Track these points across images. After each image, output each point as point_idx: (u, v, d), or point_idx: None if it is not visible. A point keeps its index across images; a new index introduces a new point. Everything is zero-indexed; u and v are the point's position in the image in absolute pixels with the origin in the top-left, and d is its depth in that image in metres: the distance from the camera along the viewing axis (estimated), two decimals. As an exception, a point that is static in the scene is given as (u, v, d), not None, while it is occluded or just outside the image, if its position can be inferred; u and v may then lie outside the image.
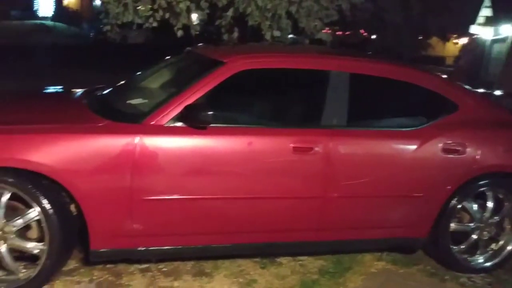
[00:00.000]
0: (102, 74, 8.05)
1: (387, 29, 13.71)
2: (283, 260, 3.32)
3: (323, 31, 6.33)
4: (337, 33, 19.18)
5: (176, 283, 2.95)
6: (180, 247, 2.90)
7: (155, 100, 2.93)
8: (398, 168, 3.07)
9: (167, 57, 3.78)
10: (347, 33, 17.25)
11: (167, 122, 2.73)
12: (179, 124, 2.74)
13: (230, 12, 5.35)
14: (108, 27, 5.69)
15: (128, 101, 3.12)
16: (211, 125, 2.73)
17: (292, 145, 2.87)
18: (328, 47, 4.70)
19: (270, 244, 3.06)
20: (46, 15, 26.61)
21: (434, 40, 18.59)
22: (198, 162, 2.75)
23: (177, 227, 2.84)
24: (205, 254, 3.09)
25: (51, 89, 4.22)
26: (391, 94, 3.24)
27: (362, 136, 3.04)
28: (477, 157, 3.14)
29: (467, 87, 3.90)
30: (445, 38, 18.18)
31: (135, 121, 2.73)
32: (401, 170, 3.08)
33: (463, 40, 17.14)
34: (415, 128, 3.12)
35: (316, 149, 2.90)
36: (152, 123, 2.72)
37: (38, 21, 25.03)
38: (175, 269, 3.10)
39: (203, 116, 2.66)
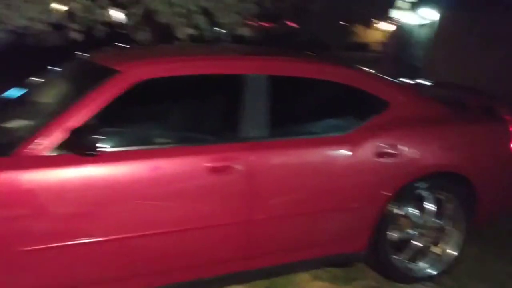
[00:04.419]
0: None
1: (311, 18, 13.53)
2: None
3: (249, 23, 5.91)
4: (263, 24, 18.83)
5: None
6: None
7: (32, 123, 2.38)
8: (329, 180, 2.73)
9: (57, 66, 3.18)
10: (271, 25, 16.94)
11: (48, 151, 2.19)
12: (65, 152, 2.22)
13: (137, 10, 4.80)
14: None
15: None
16: (106, 150, 2.24)
17: (207, 164, 2.43)
18: (244, 45, 4.26)
19: (193, 282, 2.61)
20: None
21: (357, 27, 18.82)
22: (92, 197, 2.24)
23: (78, 278, 2.32)
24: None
25: None
26: (315, 96, 2.87)
27: (287, 147, 2.66)
28: (413, 158, 2.86)
29: (399, 79, 3.68)
30: (368, 24, 18.41)
31: (3, 152, 2.17)
32: (333, 181, 2.74)
33: (384, 25, 17.44)
34: (344, 133, 2.78)
35: (236, 166, 2.48)
36: (27, 153, 2.17)
37: None
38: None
39: (89, 141, 2.14)
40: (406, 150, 2.84)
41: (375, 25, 20.01)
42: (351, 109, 2.92)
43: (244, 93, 2.59)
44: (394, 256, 3.05)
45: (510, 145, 3.20)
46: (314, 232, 2.80)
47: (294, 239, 2.77)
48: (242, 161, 2.50)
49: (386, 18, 16.75)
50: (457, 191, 3.06)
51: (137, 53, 3.10)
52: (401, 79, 3.96)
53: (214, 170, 2.44)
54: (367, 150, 2.78)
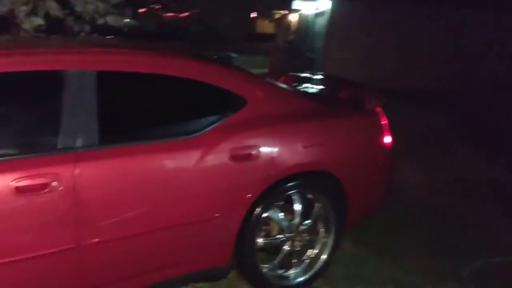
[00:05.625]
0: None
1: (205, 7, 13.07)
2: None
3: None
4: (168, 15, 18.08)
5: None
6: None
7: None
8: (178, 191, 2.36)
9: None
10: (169, 14, 16.22)
11: None
12: None
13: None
14: None
15: None
16: None
17: (14, 184, 1.96)
18: (102, 37, 3.74)
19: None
20: None
21: (261, 19, 18.60)
22: None
23: None
24: None
25: None
26: (158, 95, 2.48)
27: (123, 156, 2.24)
28: (274, 159, 2.58)
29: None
30: (267, 15, 18.26)
31: None
32: (183, 191, 2.37)
33: (289, 17, 17.43)
34: (194, 135, 2.42)
35: (54, 184, 2.03)
36: None
37: None
38: None
39: None
40: (266, 150, 2.55)
41: (276, 16, 20.03)
42: (202, 108, 2.55)
43: (63, 93, 2.14)
44: (263, 265, 2.79)
45: (381, 139, 3.04)
46: (167, 251, 2.43)
47: (144, 261, 2.38)
48: (63, 176, 2.06)
49: (289, 9, 16.80)
50: (325, 190, 2.85)
51: None
52: (291, 73, 3.73)
53: (24, 191, 1.98)
54: (222, 154, 2.45)
